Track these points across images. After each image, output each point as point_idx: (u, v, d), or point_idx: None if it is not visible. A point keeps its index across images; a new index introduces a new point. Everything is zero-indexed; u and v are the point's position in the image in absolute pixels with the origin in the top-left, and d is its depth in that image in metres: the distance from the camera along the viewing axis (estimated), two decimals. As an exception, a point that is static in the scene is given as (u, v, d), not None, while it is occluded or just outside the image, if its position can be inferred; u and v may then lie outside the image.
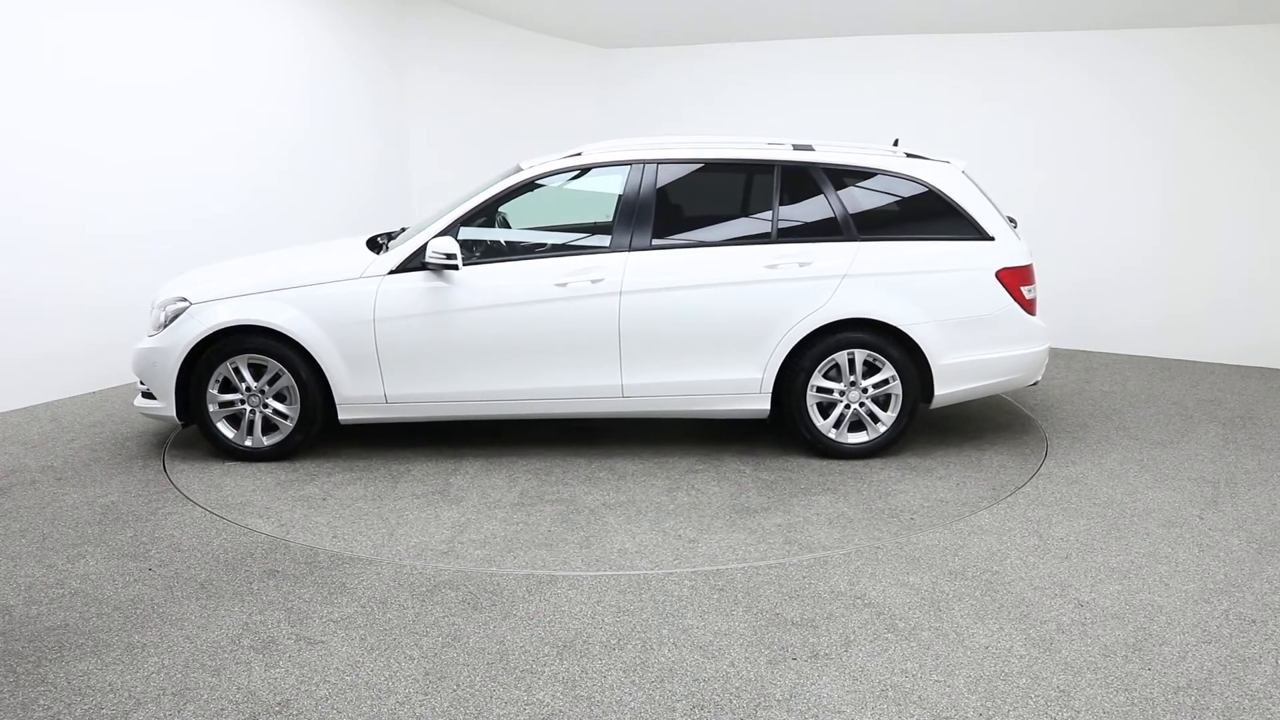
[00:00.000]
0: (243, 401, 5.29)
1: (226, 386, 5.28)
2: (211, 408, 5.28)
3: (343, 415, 5.30)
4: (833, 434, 5.35)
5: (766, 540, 4.31)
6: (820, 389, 5.30)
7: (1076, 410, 6.42)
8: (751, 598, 3.79)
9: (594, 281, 5.17)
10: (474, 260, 5.25)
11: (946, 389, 5.31)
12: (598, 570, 4.04)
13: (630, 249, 5.23)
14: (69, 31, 6.30)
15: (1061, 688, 3.17)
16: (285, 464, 5.35)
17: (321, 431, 5.53)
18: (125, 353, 6.82)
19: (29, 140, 6.16)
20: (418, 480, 5.13)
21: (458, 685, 3.19)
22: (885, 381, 5.28)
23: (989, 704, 3.08)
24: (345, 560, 4.13)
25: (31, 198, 6.21)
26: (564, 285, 5.18)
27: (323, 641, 3.47)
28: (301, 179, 8.04)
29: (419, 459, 5.45)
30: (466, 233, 5.32)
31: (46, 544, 4.29)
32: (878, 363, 5.26)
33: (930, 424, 5.98)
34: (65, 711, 3.05)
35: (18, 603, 3.75)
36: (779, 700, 3.11)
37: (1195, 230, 7.76)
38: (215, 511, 4.72)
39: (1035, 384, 5.69)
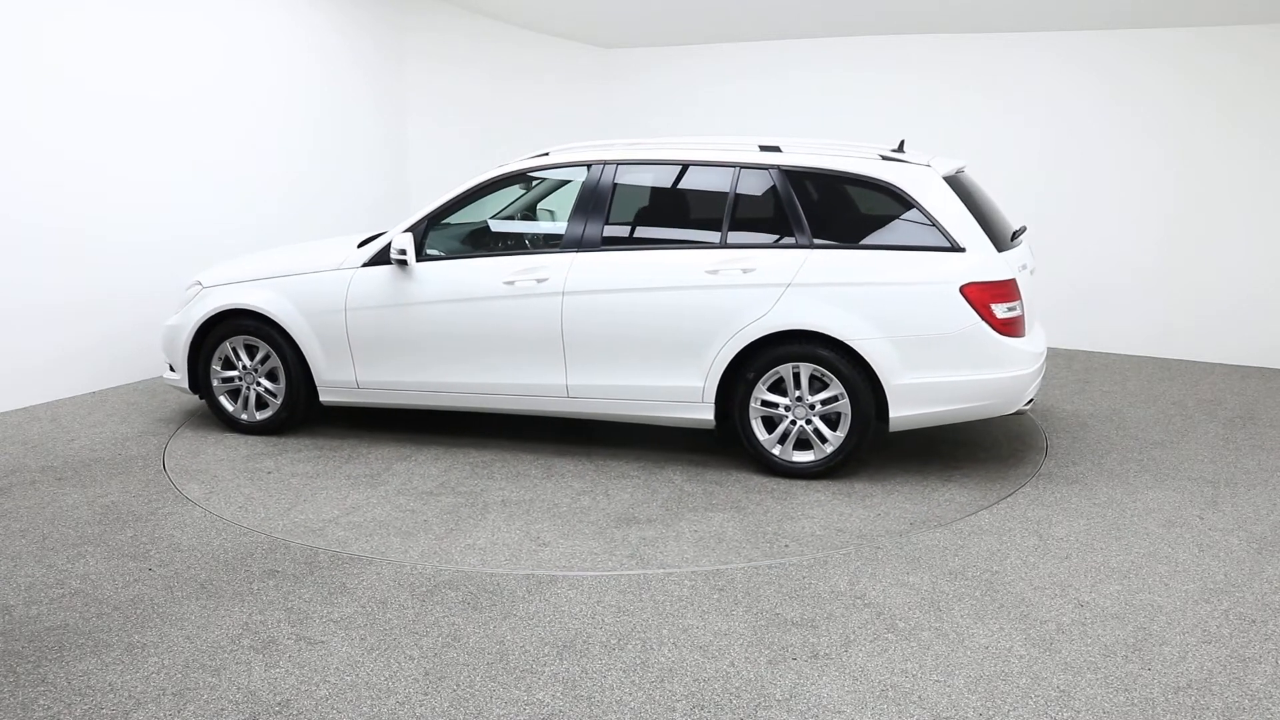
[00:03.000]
0: (240, 379, 5.78)
1: (229, 364, 5.78)
2: (215, 382, 5.82)
3: (322, 397, 5.68)
4: (777, 450, 5.05)
5: (612, 553, 4.21)
6: (766, 403, 5.02)
7: (1076, 410, 6.42)
8: (751, 598, 3.79)
9: (539, 281, 5.20)
10: (435, 256, 5.44)
11: (903, 411, 4.88)
12: (593, 571, 4.05)
13: (579, 249, 5.22)
14: (73, 36, 6.29)
15: (1061, 688, 3.17)
16: (271, 439, 5.77)
17: (322, 412, 5.83)
18: (125, 353, 6.89)
19: (29, 142, 6.16)
20: (365, 463, 5.36)
21: (458, 685, 3.19)
22: (834, 399, 4.92)
23: (989, 704, 3.08)
24: (345, 560, 4.13)
25: (33, 199, 6.21)
26: (512, 283, 5.24)
27: (323, 641, 3.47)
28: (304, 182, 8.03)
29: (386, 444, 5.67)
30: (442, 229, 5.58)
31: (46, 544, 4.29)
32: (826, 378, 4.92)
33: (920, 438, 5.94)
34: (65, 711, 3.05)
35: (18, 603, 3.75)
36: (779, 700, 3.11)
37: (1196, 230, 7.76)
38: (170, 475, 5.19)
39: (1022, 412, 5.14)
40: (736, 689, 3.17)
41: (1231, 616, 3.65)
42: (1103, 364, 7.73)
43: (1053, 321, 7.45)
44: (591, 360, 5.18)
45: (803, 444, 5.05)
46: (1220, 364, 7.69)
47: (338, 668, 3.29)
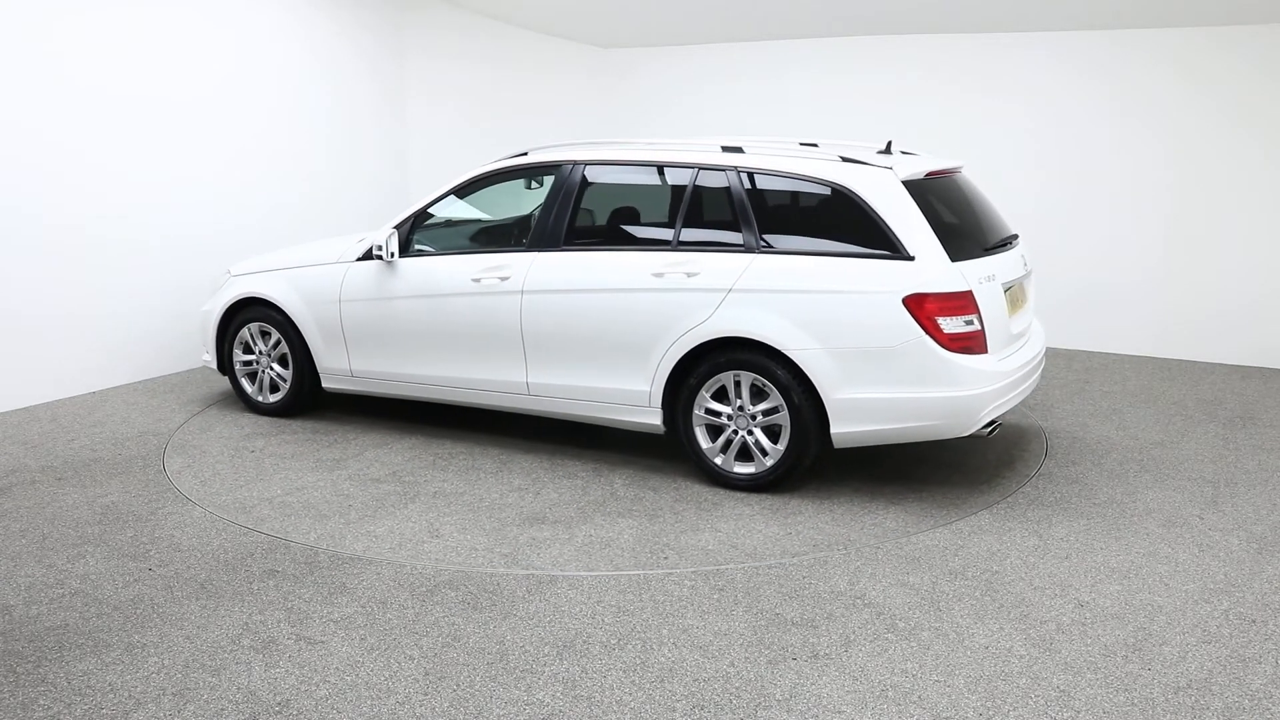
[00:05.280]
0: (256, 362, 6.17)
1: (249, 349, 6.18)
2: (237, 365, 6.22)
3: (324, 383, 6.00)
4: (718, 460, 4.89)
5: (490, 550, 4.23)
6: (710, 411, 4.87)
7: (1076, 410, 6.42)
8: (751, 598, 3.79)
9: (502, 279, 5.28)
10: (425, 252, 5.65)
11: (844, 428, 4.63)
12: (590, 571, 4.05)
13: (541, 249, 5.26)
14: (86, 39, 6.31)
15: (1061, 688, 3.17)
16: (278, 420, 6.13)
17: (332, 397, 6.27)
18: (126, 354, 6.90)
19: (31, 141, 6.16)
20: (341, 448, 5.61)
21: (458, 685, 3.19)
22: (775, 410, 4.72)
23: (989, 704, 3.08)
24: (345, 560, 4.13)
25: (33, 198, 6.21)
26: (479, 281, 5.34)
27: (323, 641, 3.47)
28: (313, 181, 8.03)
29: (373, 431, 5.92)
30: (435, 226, 5.79)
31: (46, 544, 4.29)
32: (767, 389, 4.73)
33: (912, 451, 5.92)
34: (65, 711, 3.05)
35: (18, 603, 3.75)
36: (779, 700, 3.11)
37: (1196, 230, 7.76)
38: (169, 448, 5.63)
39: (987, 434, 4.76)
40: (736, 689, 3.17)
41: (1231, 616, 3.65)
42: (1103, 364, 7.73)
43: (1053, 321, 7.45)
44: (549, 359, 5.21)
45: (746, 455, 4.88)
46: (1220, 364, 7.69)
47: (338, 668, 3.29)
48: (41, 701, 3.10)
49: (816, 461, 5.02)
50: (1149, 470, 5.27)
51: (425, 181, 9.09)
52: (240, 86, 7.43)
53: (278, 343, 6.05)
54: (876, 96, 8.61)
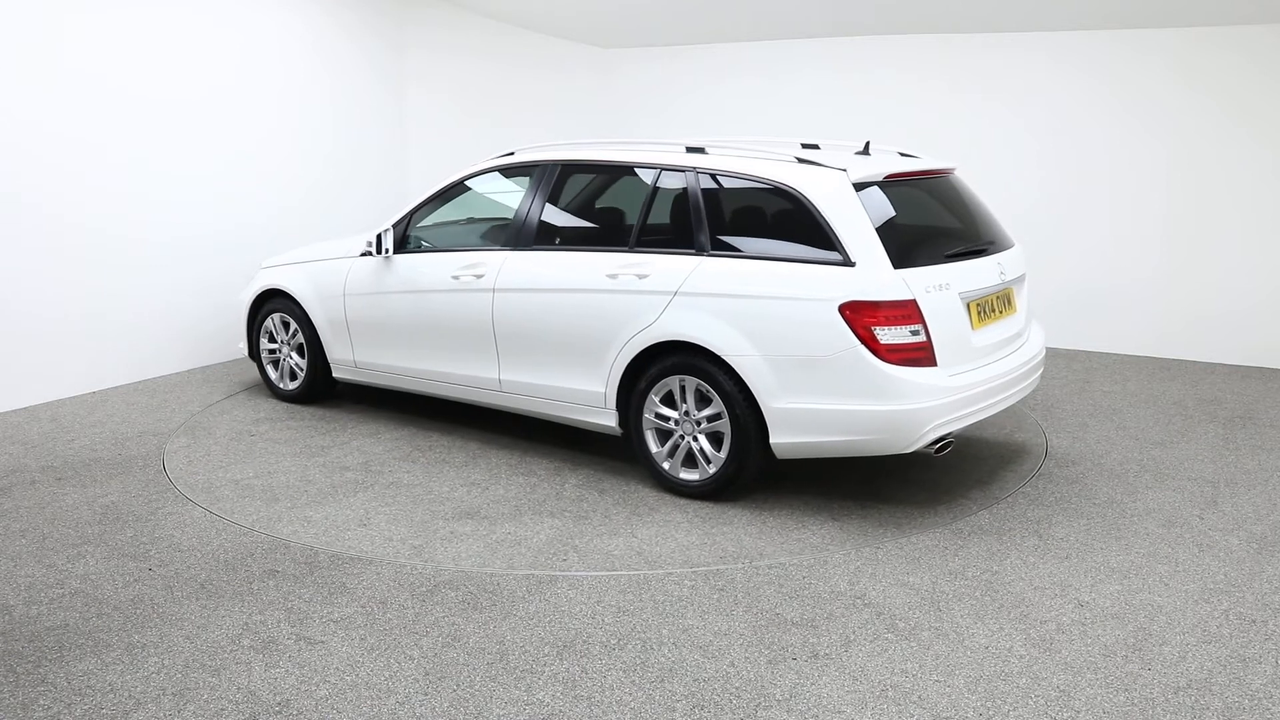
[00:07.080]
0: (278, 351, 6.52)
1: (274, 338, 6.51)
2: (263, 353, 6.59)
3: (334, 372, 6.27)
4: (666, 465, 4.83)
5: (406, 542, 4.30)
6: (660, 415, 4.82)
7: (1076, 410, 6.42)
8: (751, 598, 3.79)
9: (477, 277, 5.40)
10: (425, 249, 5.80)
11: (783, 438, 4.49)
12: (591, 571, 4.05)
13: (514, 248, 5.34)
14: (84, 35, 6.31)
15: (1061, 688, 3.17)
16: (294, 406, 6.44)
17: (351, 387, 6.48)
18: (126, 354, 6.88)
19: (32, 140, 6.16)
20: (333, 436, 5.81)
21: (458, 685, 3.19)
22: (718, 416, 4.64)
23: (989, 704, 3.08)
24: (345, 560, 4.13)
25: (34, 197, 6.21)
26: (457, 278, 5.46)
27: (323, 641, 3.47)
28: (318, 181, 8.04)
29: (371, 421, 6.11)
30: (436, 223, 5.92)
31: (46, 544, 4.29)
32: (710, 395, 4.64)
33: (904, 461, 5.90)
34: (65, 711, 3.05)
35: (18, 603, 3.75)
36: (779, 700, 3.11)
37: (1196, 230, 7.75)
38: (184, 428, 5.91)
39: (935, 453, 4.55)
40: (736, 689, 3.17)
41: (1231, 616, 3.65)
42: (1103, 364, 7.73)
43: (1053, 322, 7.46)
44: (518, 356, 5.29)
45: (693, 461, 4.80)
46: (1220, 364, 7.68)
47: (338, 668, 3.29)
48: (41, 701, 3.10)
49: (773, 471, 5.01)
50: (1149, 470, 5.27)
51: (425, 179, 9.10)
52: (242, 85, 7.43)
53: (295, 333, 6.36)
54: (876, 96, 8.61)
